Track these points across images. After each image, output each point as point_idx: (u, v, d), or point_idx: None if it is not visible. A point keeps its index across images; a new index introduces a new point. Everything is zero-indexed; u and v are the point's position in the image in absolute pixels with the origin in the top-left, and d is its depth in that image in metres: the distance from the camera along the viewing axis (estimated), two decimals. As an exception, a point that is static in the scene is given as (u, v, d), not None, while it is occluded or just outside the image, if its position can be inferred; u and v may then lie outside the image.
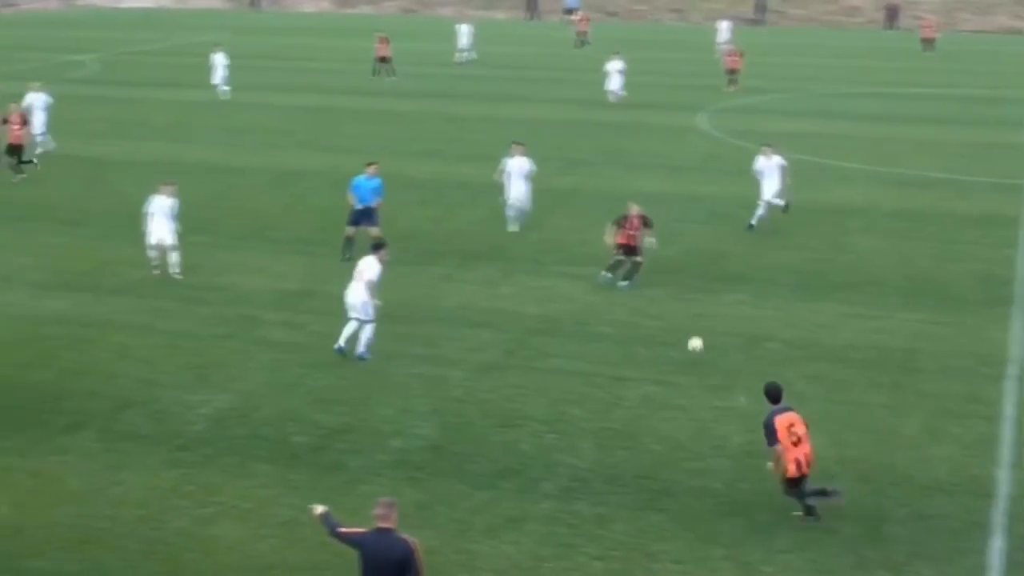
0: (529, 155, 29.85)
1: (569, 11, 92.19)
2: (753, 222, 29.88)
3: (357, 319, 21.26)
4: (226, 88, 51.91)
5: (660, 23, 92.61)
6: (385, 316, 23.50)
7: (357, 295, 21.18)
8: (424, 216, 31.22)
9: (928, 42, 70.51)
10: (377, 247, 21.80)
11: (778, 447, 15.28)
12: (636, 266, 25.59)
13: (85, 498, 16.22)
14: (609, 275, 25.57)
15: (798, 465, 15.34)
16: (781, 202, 30.22)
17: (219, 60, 52.39)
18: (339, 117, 47.37)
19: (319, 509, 12.24)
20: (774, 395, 15.88)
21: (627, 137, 43.64)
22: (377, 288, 21.18)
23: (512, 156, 29.84)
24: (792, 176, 30.29)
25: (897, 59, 69.73)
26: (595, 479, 16.95)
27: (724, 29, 70.35)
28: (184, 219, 26.47)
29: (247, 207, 32.00)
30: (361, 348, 21.36)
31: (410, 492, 16.36)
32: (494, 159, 38.82)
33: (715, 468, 17.32)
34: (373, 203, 27.06)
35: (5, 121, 35.25)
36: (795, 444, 15.29)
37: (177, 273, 25.66)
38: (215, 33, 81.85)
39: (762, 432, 15.55)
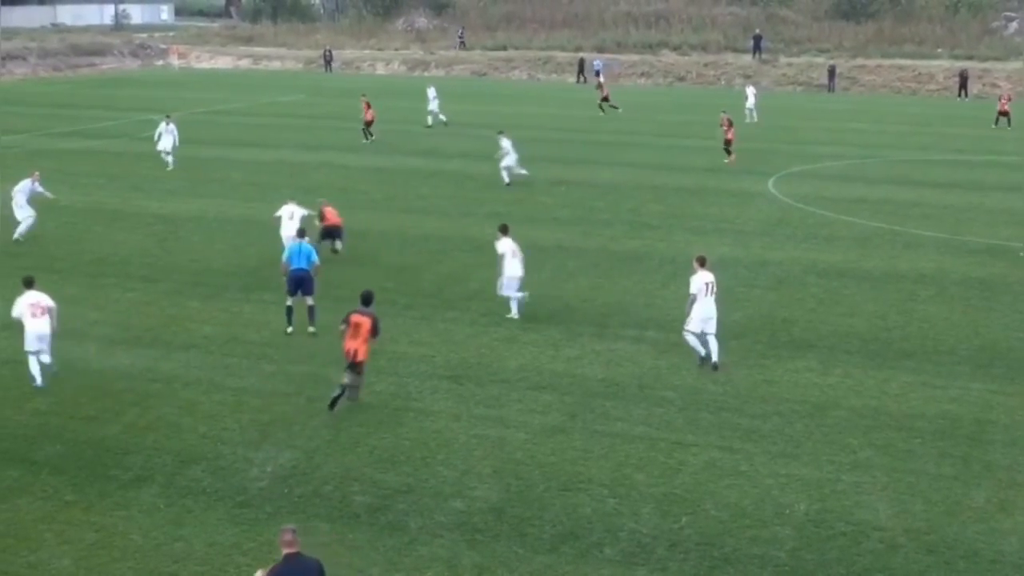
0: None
1: (597, 73, 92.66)
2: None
3: (40, 351, 22.50)
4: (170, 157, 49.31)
5: (731, 88, 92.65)
6: (448, 376, 23.59)
7: (45, 328, 22.42)
8: (488, 277, 31.25)
9: (1005, 115, 68.70)
10: (30, 282, 22.98)
11: (342, 327, 21.44)
12: None
13: (147, 553, 16.32)
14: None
15: (348, 352, 21.12)
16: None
17: (166, 129, 49.56)
18: (410, 178, 47.75)
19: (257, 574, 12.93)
20: (364, 299, 21.77)
21: (695, 201, 43.57)
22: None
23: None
24: (863, 244, 29.86)
25: (970, 126, 69.15)
26: (657, 545, 16.78)
27: (751, 95, 70.13)
28: (252, 276, 26.77)
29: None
30: (44, 379, 22.62)
31: (470, 554, 16.30)
32: (561, 221, 39.04)
33: (778, 536, 17.09)
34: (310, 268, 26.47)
35: None
36: (353, 337, 21.06)
37: None
38: (293, 94, 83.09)
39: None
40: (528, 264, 33.14)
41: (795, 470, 19.40)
